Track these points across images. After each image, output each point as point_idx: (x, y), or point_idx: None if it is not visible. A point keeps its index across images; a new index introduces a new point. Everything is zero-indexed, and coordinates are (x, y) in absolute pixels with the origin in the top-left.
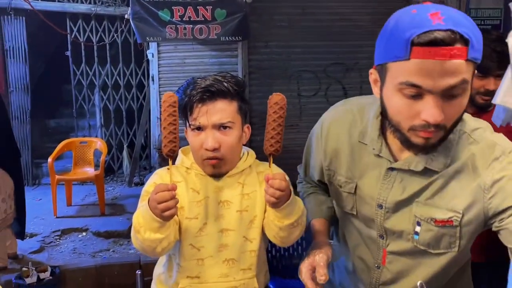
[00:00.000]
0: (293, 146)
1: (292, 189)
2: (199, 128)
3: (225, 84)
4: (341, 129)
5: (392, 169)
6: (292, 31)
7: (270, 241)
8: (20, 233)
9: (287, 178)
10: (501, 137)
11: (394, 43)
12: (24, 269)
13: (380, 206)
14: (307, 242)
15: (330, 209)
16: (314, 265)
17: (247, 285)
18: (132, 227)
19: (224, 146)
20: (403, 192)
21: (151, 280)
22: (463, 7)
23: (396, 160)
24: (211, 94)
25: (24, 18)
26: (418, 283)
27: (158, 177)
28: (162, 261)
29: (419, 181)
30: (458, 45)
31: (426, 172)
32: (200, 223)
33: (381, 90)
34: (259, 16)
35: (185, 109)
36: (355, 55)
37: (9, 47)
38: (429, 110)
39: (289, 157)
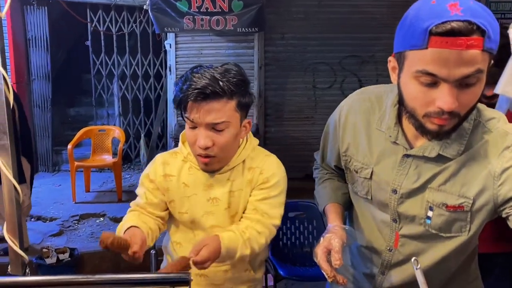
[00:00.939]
0: (307, 138)
1: (221, 249)
2: (194, 125)
3: (221, 84)
4: (359, 116)
5: (407, 156)
6: (308, 23)
7: (282, 230)
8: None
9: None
10: None
11: (413, 32)
12: (44, 250)
13: (395, 191)
14: (317, 231)
15: (345, 195)
16: (330, 249)
17: (237, 268)
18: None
19: (218, 145)
20: (417, 179)
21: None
22: (483, 0)
23: (411, 147)
24: (204, 95)
25: (46, 8)
26: (413, 259)
27: (152, 171)
28: (167, 236)
29: (433, 168)
30: (475, 36)
31: (440, 158)
32: (190, 218)
33: (398, 77)
34: (276, 7)
35: (180, 105)
36: (371, 48)
37: (32, 36)
38: (444, 98)
39: (304, 148)
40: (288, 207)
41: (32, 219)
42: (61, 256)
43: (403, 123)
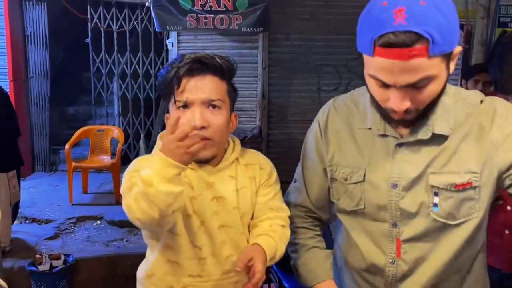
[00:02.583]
0: None
1: (265, 252)
2: (185, 105)
3: (218, 60)
4: (340, 121)
5: (400, 145)
6: (314, 24)
7: None
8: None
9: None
10: (495, 98)
11: (363, 38)
12: (37, 256)
13: (395, 186)
14: (325, 241)
15: (332, 264)
16: None
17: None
18: (139, 182)
19: (213, 126)
20: (417, 165)
21: None
22: (493, 3)
23: (401, 137)
24: (201, 65)
25: (45, 4)
26: None
27: (145, 161)
28: (150, 261)
29: (430, 151)
30: (418, 45)
31: (435, 139)
32: (198, 221)
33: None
34: (281, 7)
35: (171, 82)
36: None
37: (30, 33)
38: (393, 100)
39: None
40: None
41: (27, 221)
42: (55, 263)
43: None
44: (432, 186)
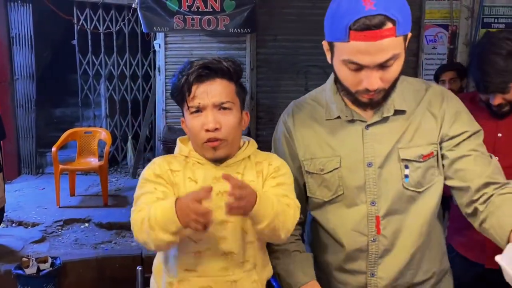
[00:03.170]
0: None
1: (257, 194)
2: (198, 110)
3: (224, 64)
4: (305, 118)
5: (368, 126)
6: (301, 25)
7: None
8: None
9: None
10: (438, 85)
11: (336, 27)
12: (24, 259)
13: (370, 165)
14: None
15: (312, 265)
16: None
17: (247, 278)
18: (145, 219)
19: (225, 127)
20: (386, 143)
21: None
22: (477, 4)
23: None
24: (209, 71)
25: (30, 5)
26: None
27: (157, 166)
28: (159, 253)
29: (396, 130)
30: (387, 27)
31: (398, 118)
32: None
33: (332, 60)
34: (269, 8)
35: (182, 90)
36: None
37: (15, 34)
38: (368, 80)
39: None
40: None
41: (13, 224)
42: (42, 266)
43: (348, 104)
44: (403, 160)
